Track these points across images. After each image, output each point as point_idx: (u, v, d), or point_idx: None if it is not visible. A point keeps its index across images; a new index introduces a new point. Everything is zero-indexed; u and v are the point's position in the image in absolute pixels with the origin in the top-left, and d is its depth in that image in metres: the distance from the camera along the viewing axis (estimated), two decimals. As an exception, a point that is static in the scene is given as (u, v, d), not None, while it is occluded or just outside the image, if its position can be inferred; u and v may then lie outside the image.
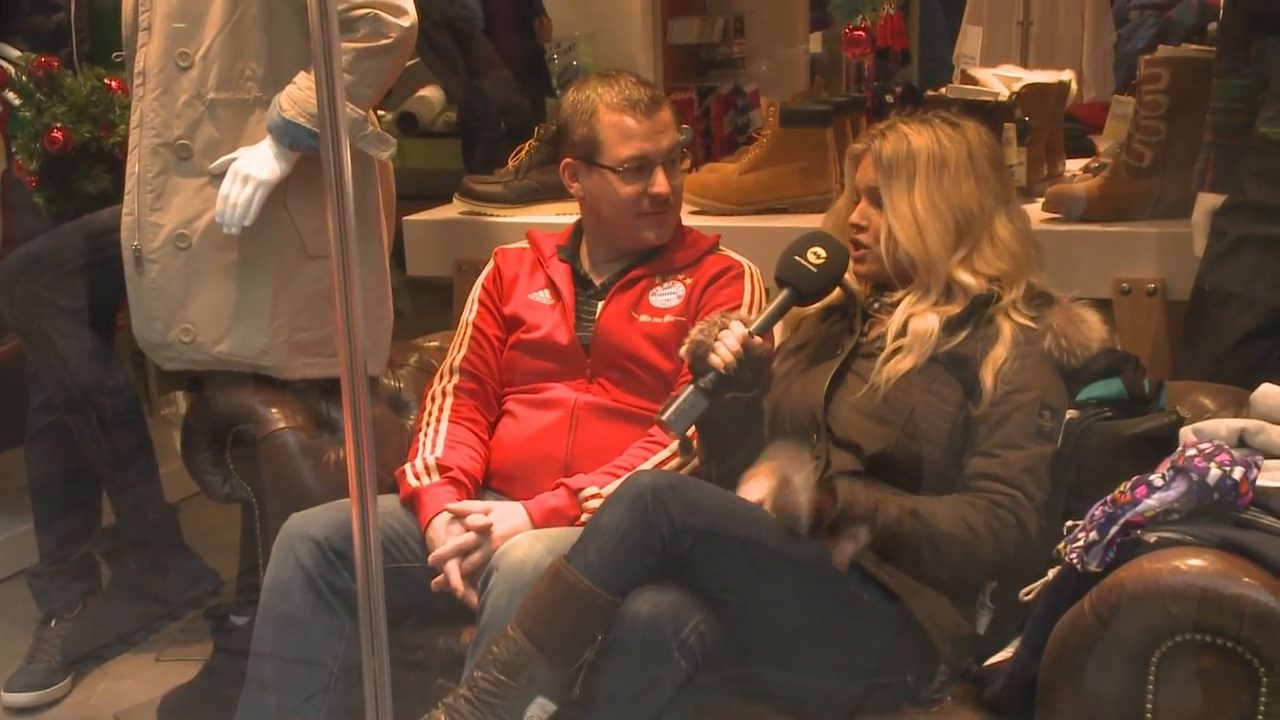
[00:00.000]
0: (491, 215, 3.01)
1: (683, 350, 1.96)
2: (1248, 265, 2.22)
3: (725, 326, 1.94)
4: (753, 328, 1.95)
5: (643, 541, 1.74)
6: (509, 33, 4.80)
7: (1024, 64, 4.31)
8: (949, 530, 1.84)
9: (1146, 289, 2.51)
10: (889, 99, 3.27)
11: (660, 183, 2.18)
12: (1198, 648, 1.48)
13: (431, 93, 5.67)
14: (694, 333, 1.95)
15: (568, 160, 2.25)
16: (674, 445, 2.09)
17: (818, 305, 2.20)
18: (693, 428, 1.97)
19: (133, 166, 2.32)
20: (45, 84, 2.63)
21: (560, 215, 2.88)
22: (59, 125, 2.59)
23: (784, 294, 2.02)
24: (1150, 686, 1.52)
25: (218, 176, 2.25)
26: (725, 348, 1.91)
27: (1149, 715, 1.52)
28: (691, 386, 1.91)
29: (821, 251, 2.02)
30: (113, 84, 2.64)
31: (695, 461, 2.06)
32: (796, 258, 2.02)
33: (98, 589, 2.86)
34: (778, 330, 2.27)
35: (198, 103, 2.26)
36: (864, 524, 1.83)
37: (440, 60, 4.84)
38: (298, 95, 2.18)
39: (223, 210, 2.22)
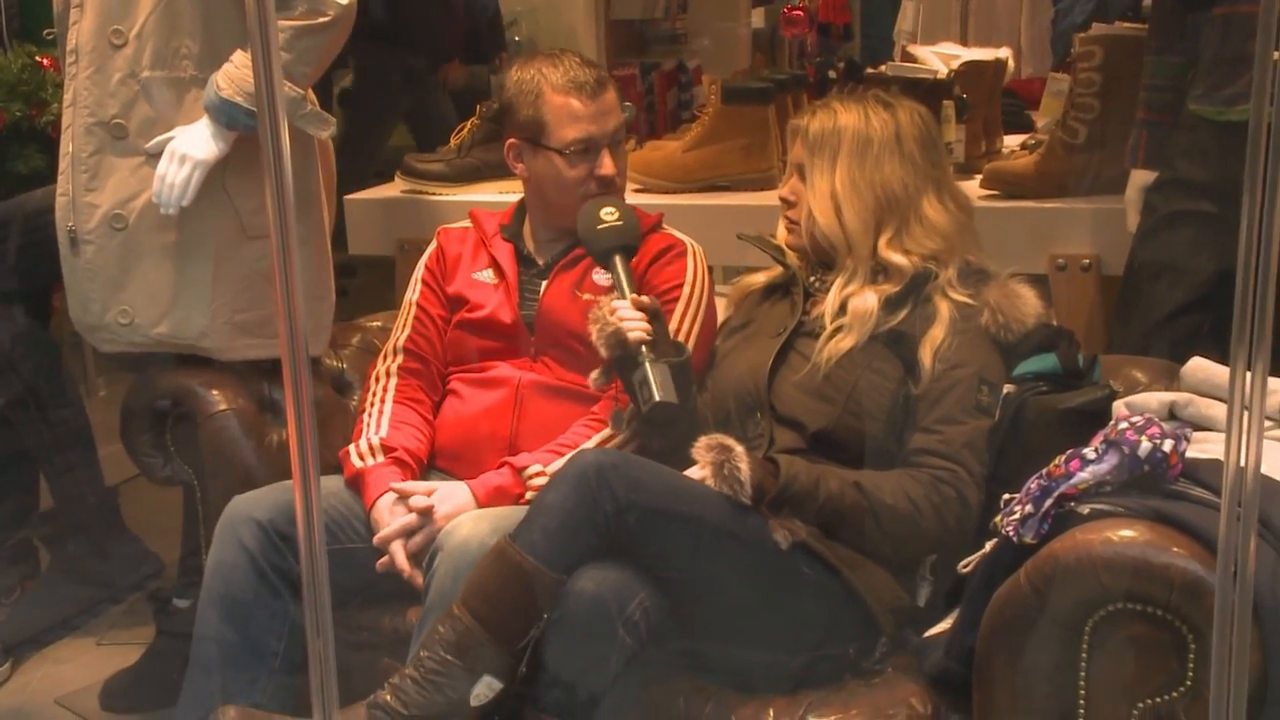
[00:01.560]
0: (434, 194, 3.00)
1: (604, 350, 1.94)
2: (1179, 241, 2.26)
3: (611, 311, 1.95)
4: (629, 295, 1.98)
5: (587, 519, 1.75)
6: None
7: (963, 40, 4.35)
8: (891, 504, 1.87)
9: (1081, 264, 2.55)
10: (831, 75, 3.28)
11: (606, 164, 2.18)
12: (1129, 616, 1.52)
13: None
14: (596, 335, 1.94)
15: (512, 141, 2.24)
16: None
17: (761, 283, 2.23)
18: (628, 404, 2.01)
19: (66, 146, 2.28)
20: (-27, 62, 2.58)
21: (503, 194, 2.88)
22: (-11, 104, 2.55)
23: (617, 257, 2.04)
24: (1084, 655, 1.55)
25: (154, 156, 2.22)
26: (630, 322, 1.93)
27: (1082, 682, 1.55)
28: (646, 364, 1.91)
29: (612, 210, 2.07)
30: (44, 61, 2.59)
31: (629, 417, 2.07)
32: (599, 227, 2.06)
33: (36, 573, 2.83)
34: (721, 308, 2.29)
35: (132, 81, 2.22)
36: (806, 497, 1.85)
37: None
38: (235, 74, 2.16)
39: (160, 190, 2.19)
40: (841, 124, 2.03)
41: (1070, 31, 4.82)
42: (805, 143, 2.05)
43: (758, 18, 5.59)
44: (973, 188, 2.63)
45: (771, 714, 1.79)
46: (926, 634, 1.89)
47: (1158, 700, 1.52)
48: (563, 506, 1.76)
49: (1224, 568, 1.23)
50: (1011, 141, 3.09)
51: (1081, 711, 1.56)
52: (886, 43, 5.61)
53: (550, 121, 2.18)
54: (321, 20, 2.16)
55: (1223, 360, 1.88)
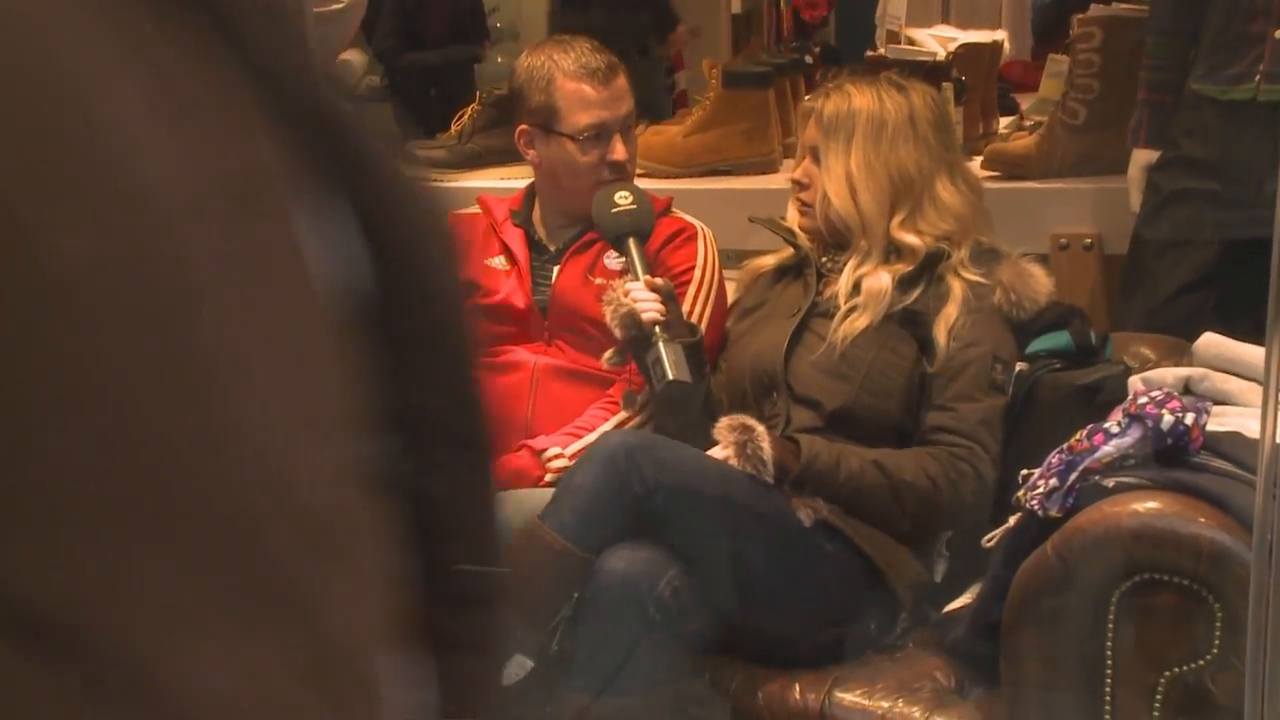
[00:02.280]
0: (435, 181, 2.99)
1: (618, 331, 1.98)
2: (1182, 219, 2.29)
3: (625, 293, 1.99)
4: (642, 277, 2.02)
5: (616, 499, 1.77)
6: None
7: (945, 22, 4.37)
8: (910, 481, 1.90)
9: (1083, 244, 2.58)
10: (808, 60, 3.30)
11: (619, 150, 2.19)
12: (1156, 586, 1.55)
13: (353, 56, 5.58)
14: (610, 316, 1.98)
15: (523, 127, 2.24)
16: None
17: (771, 265, 2.25)
18: (641, 385, 2.04)
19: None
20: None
21: (506, 179, 2.87)
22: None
23: (631, 241, 2.08)
24: (1110, 624, 1.58)
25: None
26: (644, 303, 1.96)
27: (1109, 652, 1.58)
28: (660, 343, 1.94)
29: (626, 194, 2.10)
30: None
31: (644, 395, 2.10)
32: (614, 212, 2.09)
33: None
34: (731, 290, 2.31)
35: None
36: (827, 476, 1.88)
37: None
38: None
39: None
40: (856, 106, 2.05)
41: (1044, 10, 4.87)
42: (820, 125, 2.07)
43: (736, 2, 5.61)
44: (973, 169, 2.65)
45: (798, 689, 1.82)
46: (946, 609, 1.92)
47: (1185, 669, 1.55)
48: (592, 487, 1.78)
49: (1259, 541, 1.26)
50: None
51: (1109, 680, 1.59)
52: (864, 26, 5.63)
53: (563, 107, 2.19)
54: (335, 7, 2.16)
55: (1229, 335, 1.92)
